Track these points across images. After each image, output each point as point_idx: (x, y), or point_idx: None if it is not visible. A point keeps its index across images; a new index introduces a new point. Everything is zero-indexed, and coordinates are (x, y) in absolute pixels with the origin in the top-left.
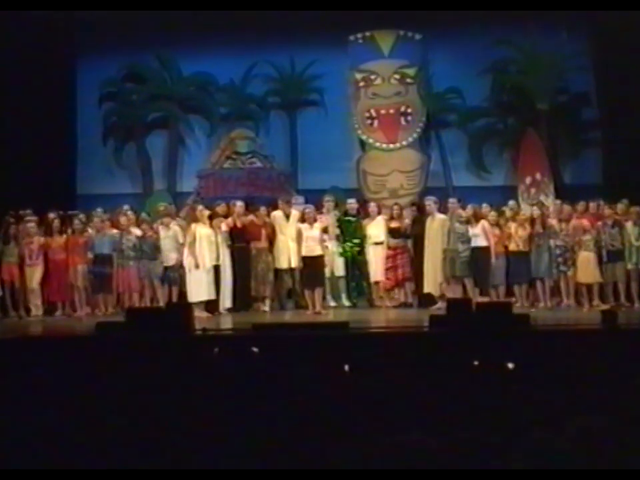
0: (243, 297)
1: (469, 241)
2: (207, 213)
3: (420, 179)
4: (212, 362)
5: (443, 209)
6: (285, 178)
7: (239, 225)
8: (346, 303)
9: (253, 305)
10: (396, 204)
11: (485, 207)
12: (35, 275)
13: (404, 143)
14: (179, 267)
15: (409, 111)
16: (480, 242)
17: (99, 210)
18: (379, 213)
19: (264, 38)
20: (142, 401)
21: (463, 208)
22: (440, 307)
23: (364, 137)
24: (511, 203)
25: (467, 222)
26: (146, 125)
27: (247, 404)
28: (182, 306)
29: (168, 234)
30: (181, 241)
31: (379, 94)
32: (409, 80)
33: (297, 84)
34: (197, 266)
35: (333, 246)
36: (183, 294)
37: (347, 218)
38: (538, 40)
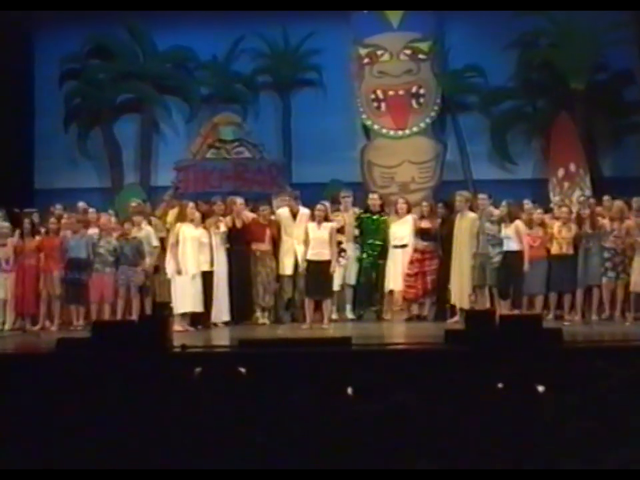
0: (242, 308)
1: (500, 243)
2: (198, 213)
3: (434, 171)
4: (192, 384)
5: (471, 206)
6: (277, 170)
7: (238, 224)
8: (349, 315)
9: (253, 317)
10: (425, 200)
11: (527, 204)
12: (8, 284)
13: (415, 129)
14: (152, 273)
15: (422, 91)
16: (512, 245)
17: (58, 206)
18: (409, 211)
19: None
20: (110, 430)
21: (496, 205)
22: (458, 321)
23: (369, 123)
24: (556, 199)
25: (500, 222)
26: (115, 108)
27: (233, 433)
28: (157, 319)
29: (139, 235)
30: (154, 243)
31: (387, 72)
32: (421, 56)
33: (290, 60)
34: (179, 272)
35: (350, 249)
36: (158, 305)
37: (368, 215)
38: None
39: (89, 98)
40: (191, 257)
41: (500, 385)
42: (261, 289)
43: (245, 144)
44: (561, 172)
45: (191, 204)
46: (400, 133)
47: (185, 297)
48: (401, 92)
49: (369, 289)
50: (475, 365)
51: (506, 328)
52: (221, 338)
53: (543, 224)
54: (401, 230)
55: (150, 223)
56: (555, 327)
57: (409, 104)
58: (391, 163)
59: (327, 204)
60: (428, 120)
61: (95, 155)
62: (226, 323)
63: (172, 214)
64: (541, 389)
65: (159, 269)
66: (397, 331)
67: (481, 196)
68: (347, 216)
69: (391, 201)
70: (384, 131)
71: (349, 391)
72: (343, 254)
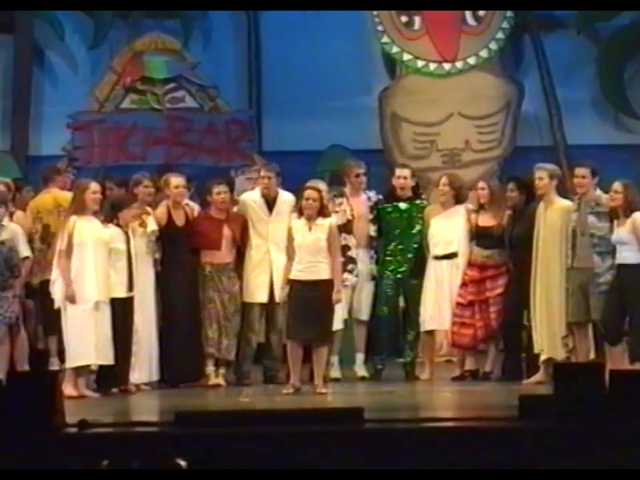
0: (183, 361)
1: (614, 251)
2: (98, 196)
3: (503, 132)
4: None
5: (563, 190)
6: (240, 129)
7: (177, 221)
8: (360, 371)
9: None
10: (481, 180)
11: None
12: None
13: (471, 60)
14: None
15: None
16: (627, 255)
17: None
18: (458, 198)
19: None
20: None
21: (605, 188)
22: (541, 380)
23: (395, 51)
24: None
25: (612, 215)
26: None
27: None
28: (39, 377)
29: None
30: (23, 253)
31: None
32: None
33: None
34: (71, 298)
35: (363, 261)
36: (39, 354)
37: (393, 204)
38: None
39: None
40: (94, 274)
41: None
42: (214, 328)
43: (187, 85)
44: None
45: (94, 184)
46: (446, 67)
47: (83, 341)
48: None
49: (392, 328)
50: (568, 452)
51: (621, 391)
52: (146, 409)
53: None
54: (446, 230)
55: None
56: None
57: (459, 19)
58: (432, 118)
59: (323, 185)
60: (492, 46)
61: None
62: (160, 383)
63: (52, 199)
64: None
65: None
66: (439, 398)
67: (578, 171)
68: (358, 205)
69: (430, 181)
70: (419, 63)
71: None
72: (351, 267)
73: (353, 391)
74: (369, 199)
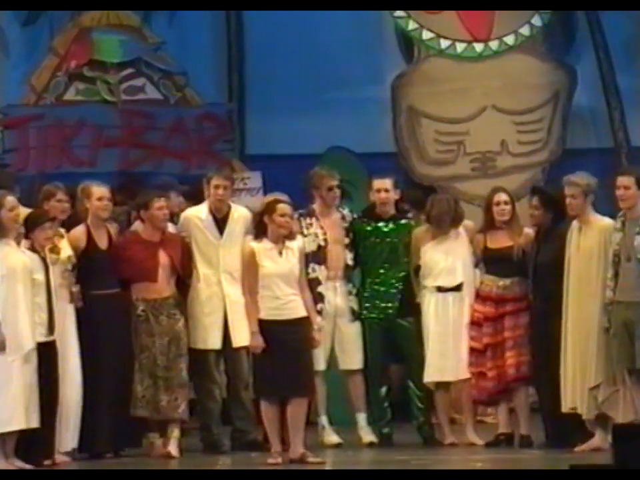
0: (115, 421)
1: None
2: (16, 214)
3: (549, 130)
4: None
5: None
6: (216, 127)
7: (100, 243)
8: (367, 436)
9: (144, 440)
10: (500, 191)
11: None
12: None
13: (509, 40)
14: None
15: None
16: None
17: None
18: (454, 218)
19: None
20: None
21: None
22: (598, 446)
23: (412, 27)
24: None
25: None
26: None
27: None
28: None
29: None
30: None
31: None
32: None
33: None
34: (1, 345)
35: (342, 297)
36: None
37: (372, 224)
38: None
39: None
40: (26, 313)
41: None
42: (146, 384)
43: (148, 71)
44: None
45: (10, 199)
46: (478, 48)
47: (9, 400)
48: None
49: (389, 384)
50: None
51: None
52: None
53: None
54: (447, 256)
55: None
56: None
57: None
58: (459, 113)
59: (286, 198)
60: (536, 21)
61: None
62: (80, 451)
63: None
64: None
65: None
66: (467, 469)
67: (620, 180)
68: (331, 226)
69: (461, 194)
70: (443, 44)
71: None
72: (320, 307)
73: (359, 459)
74: (343, 218)
